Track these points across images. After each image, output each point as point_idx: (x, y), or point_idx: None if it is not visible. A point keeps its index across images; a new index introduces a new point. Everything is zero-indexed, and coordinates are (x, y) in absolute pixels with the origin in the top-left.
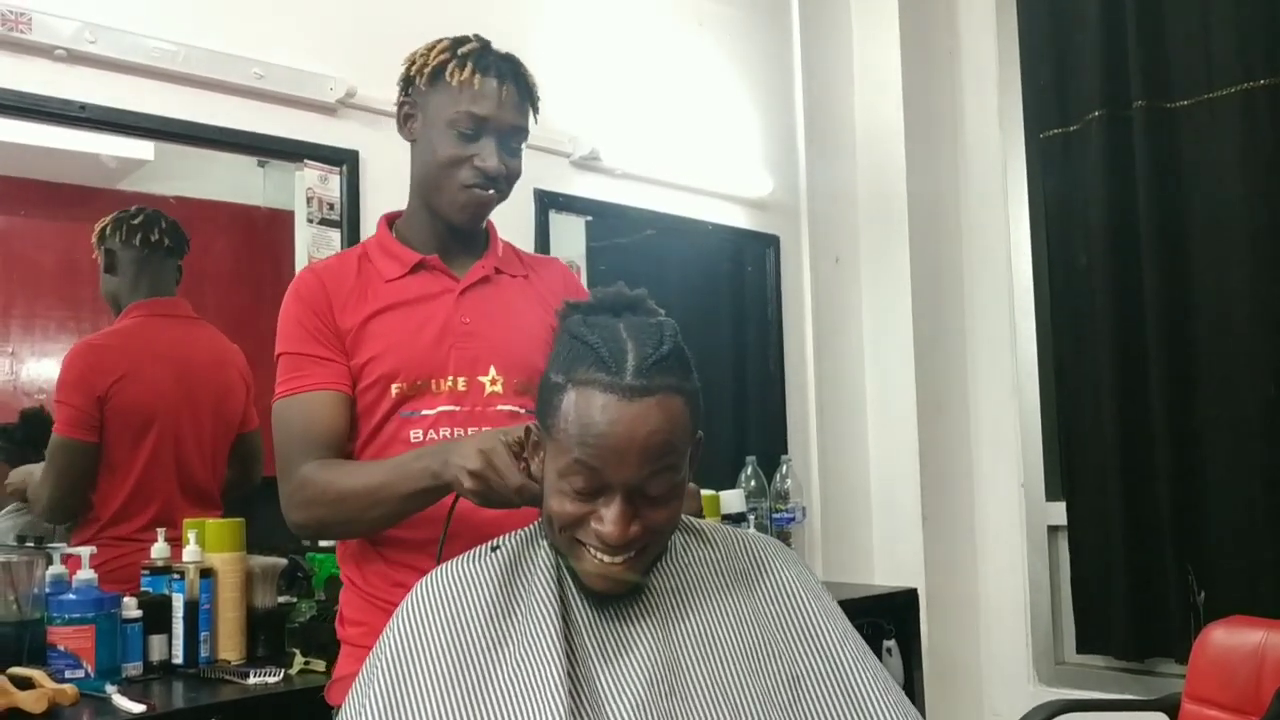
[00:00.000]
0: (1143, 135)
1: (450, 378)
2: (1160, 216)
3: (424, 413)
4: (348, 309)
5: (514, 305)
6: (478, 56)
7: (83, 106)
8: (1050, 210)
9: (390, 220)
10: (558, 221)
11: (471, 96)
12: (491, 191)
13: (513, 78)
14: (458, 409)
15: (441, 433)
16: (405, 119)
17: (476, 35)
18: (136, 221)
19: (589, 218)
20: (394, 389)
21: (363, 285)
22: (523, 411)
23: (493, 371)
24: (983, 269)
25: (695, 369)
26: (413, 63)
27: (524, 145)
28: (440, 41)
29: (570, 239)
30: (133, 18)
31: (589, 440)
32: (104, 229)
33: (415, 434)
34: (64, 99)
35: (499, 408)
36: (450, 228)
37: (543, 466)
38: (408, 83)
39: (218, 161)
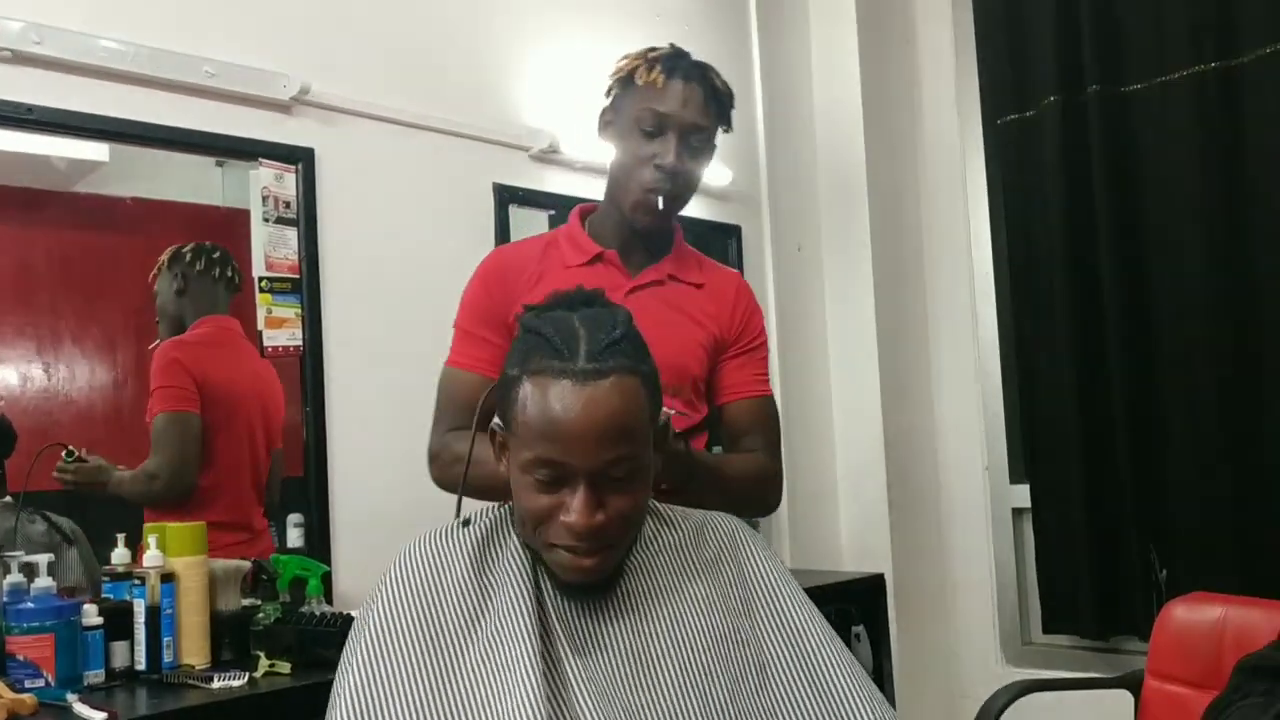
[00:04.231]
0: (1098, 119)
1: None
2: (1116, 199)
3: None
4: (522, 293)
5: (678, 311)
6: (665, 59)
7: (30, 109)
8: (1008, 195)
9: (584, 213)
10: (519, 216)
11: (655, 95)
12: (662, 199)
13: (699, 80)
14: None
15: None
16: (604, 125)
17: (672, 44)
18: (215, 256)
19: (551, 211)
20: None
21: (543, 270)
22: (672, 412)
23: None
24: (943, 255)
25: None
26: (614, 71)
27: (702, 151)
28: (637, 50)
29: (533, 232)
30: (80, 18)
31: (546, 428)
32: (183, 255)
33: None
34: (10, 100)
35: None
36: (633, 227)
37: (510, 466)
38: (608, 91)
39: (175, 162)
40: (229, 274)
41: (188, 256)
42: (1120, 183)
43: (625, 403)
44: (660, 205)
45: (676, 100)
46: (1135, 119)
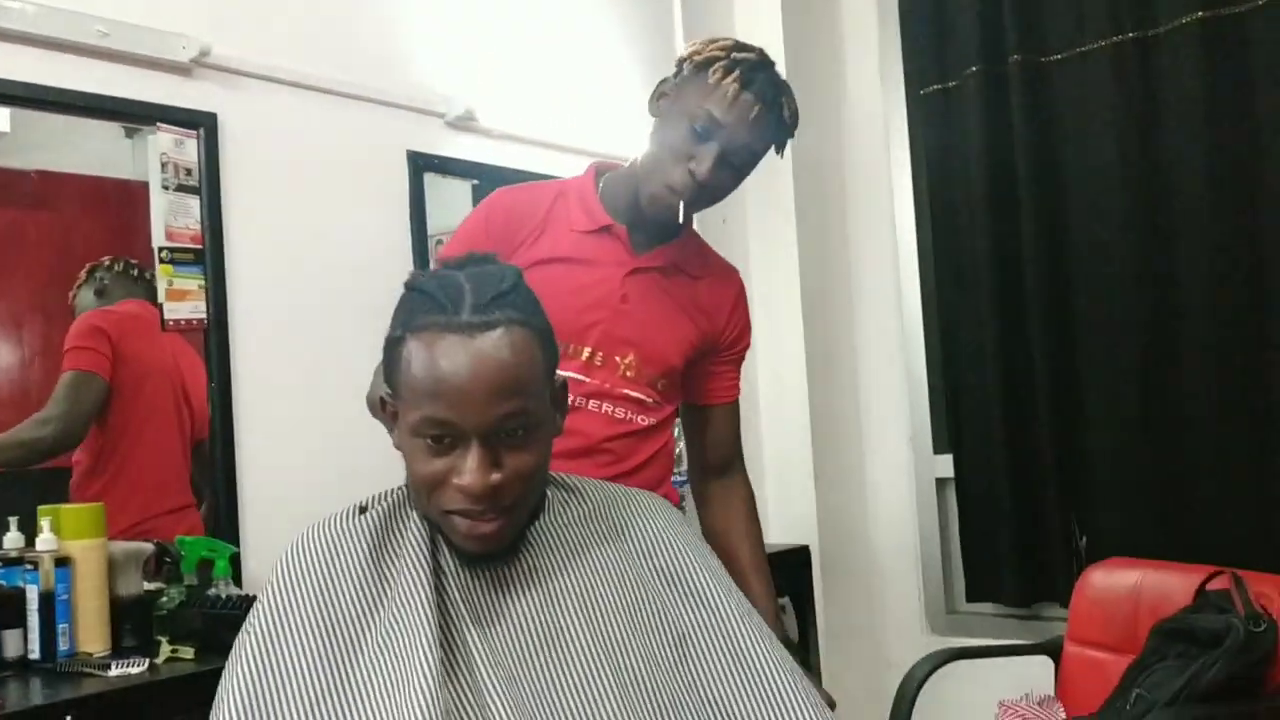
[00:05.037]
0: (1019, 89)
1: (589, 349)
2: (1037, 169)
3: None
4: (522, 246)
5: (674, 303)
6: (746, 68)
7: None
8: (931, 166)
9: (600, 170)
10: (437, 185)
11: (720, 100)
12: (682, 202)
13: (771, 104)
14: (586, 380)
15: None
16: (658, 96)
17: (763, 51)
18: (133, 263)
19: (474, 181)
20: None
21: (547, 223)
22: (650, 401)
23: (631, 357)
24: (867, 226)
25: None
26: (693, 48)
27: (743, 170)
28: (725, 39)
29: (455, 204)
30: None
31: (433, 386)
32: (101, 263)
33: None
34: None
35: (626, 391)
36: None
37: (400, 433)
38: (679, 65)
39: (80, 133)
40: (147, 277)
41: (106, 263)
42: (1041, 152)
43: (515, 355)
44: (681, 212)
45: (739, 115)
46: (1055, 89)
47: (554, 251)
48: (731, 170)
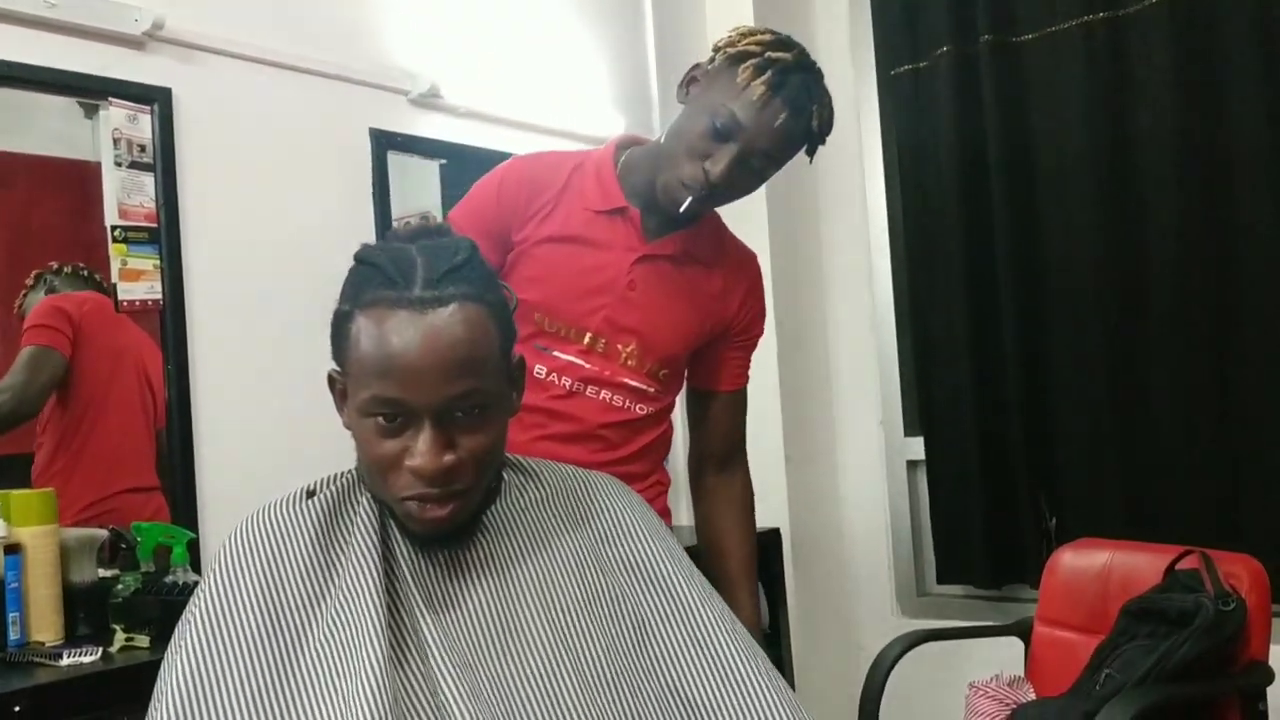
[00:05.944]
0: (989, 70)
1: (591, 334)
2: (1007, 150)
3: (555, 353)
4: (534, 219)
5: (683, 293)
6: (782, 70)
7: None
8: (902, 146)
9: (622, 146)
10: (403, 164)
11: (746, 101)
12: (692, 201)
13: (800, 112)
14: (587, 365)
15: (563, 381)
16: (689, 81)
17: (802, 51)
18: (81, 265)
19: (442, 161)
20: (536, 317)
21: (561, 197)
22: (650, 390)
23: (634, 346)
24: (838, 207)
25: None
26: (730, 37)
27: (761, 174)
28: (765, 33)
29: (420, 184)
30: None
31: (383, 363)
32: (50, 267)
33: (540, 369)
34: None
35: (625, 380)
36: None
37: (350, 413)
38: (714, 51)
39: (38, 110)
40: (97, 279)
41: (54, 266)
42: (1012, 133)
43: (469, 332)
44: (684, 206)
45: (763, 121)
46: (1026, 69)
47: (565, 229)
48: (751, 172)
